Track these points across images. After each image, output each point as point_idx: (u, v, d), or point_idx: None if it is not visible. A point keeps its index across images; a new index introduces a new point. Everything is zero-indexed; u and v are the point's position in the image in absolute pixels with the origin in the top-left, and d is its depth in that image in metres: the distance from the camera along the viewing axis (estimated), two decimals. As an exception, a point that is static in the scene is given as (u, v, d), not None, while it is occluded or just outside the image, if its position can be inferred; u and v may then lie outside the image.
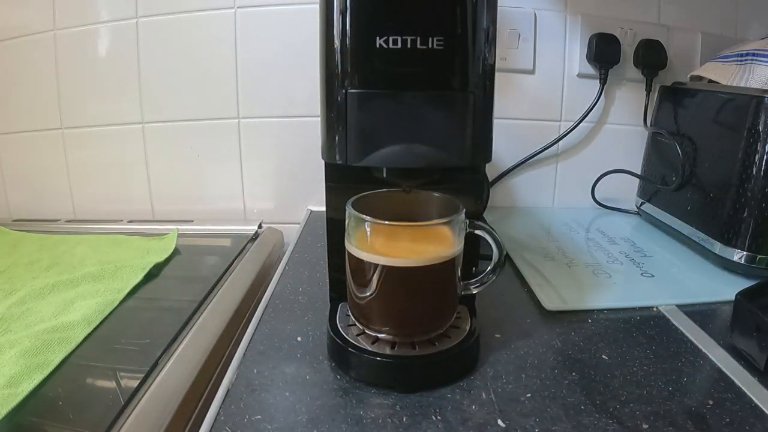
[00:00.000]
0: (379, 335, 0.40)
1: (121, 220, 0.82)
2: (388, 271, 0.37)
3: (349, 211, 0.38)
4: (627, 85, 0.81)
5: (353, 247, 0.38)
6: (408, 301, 0.39)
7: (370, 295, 0.38)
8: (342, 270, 0.46)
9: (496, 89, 0.38)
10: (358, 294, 0.40)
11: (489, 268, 0.41)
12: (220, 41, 0.78)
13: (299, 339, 0.45)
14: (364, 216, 0.37)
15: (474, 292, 0.42)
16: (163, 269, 0.63)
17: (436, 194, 0.41)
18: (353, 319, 0.42)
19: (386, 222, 0.37)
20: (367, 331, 0.41)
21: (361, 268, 0.38)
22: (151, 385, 0.41)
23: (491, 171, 0.83)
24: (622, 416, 0.36)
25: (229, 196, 0.85)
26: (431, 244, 0.38)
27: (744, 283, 0.54)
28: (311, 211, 0.83)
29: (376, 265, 0.37)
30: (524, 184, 0.85)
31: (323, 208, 0.44)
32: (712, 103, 0.64)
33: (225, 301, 0.57)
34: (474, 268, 0.45)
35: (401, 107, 0.35)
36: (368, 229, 0.38)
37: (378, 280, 0.37)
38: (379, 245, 0.37)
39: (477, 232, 0.39)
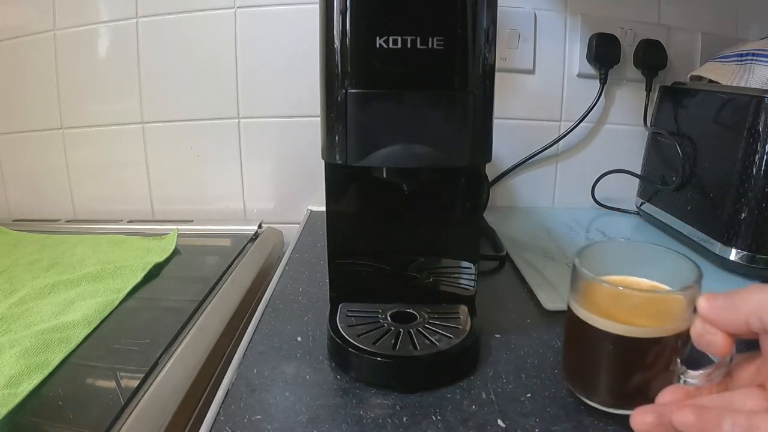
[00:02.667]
0: (591, 402, 0.37)
1: (121, 220, 0.82)
2: (622, 341, 0.33)
3: (583, 272, 0.34)
4: (627, 85, 0.81)
5: (582, 310, 0.35)
6: (635, 371, 0.35)
7: (594, 360, 0.36)
8: (342, 270, 0.46)
9: (496, 89, 0.38)
10: (576, 356, 0.37)
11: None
12: (220, 41, 0.78)
13: (299, 339, 0.45)
14: (610, 284, 0.34)
15: (692, 382, 0.34)
16: (163, 269, 0.63)
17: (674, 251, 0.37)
18: (566, 378, 0.39)
19: (637, 292, 0.34)
20: (577, 394, 0.38)
21: (588, 334, 0.35)
22: (151, 385, 0.41)
23: (491, 171, 0.83)
24: (622, 416, 0.36)
25: (229, 196, 0.85)
26: (667, 314, 0.34)
27: (743, 283, 0.54)
28: (311, 211, 0.83)
29: (613, 335, 0.33)
30: (524, 184, 0.85)
31: (323, 208, 0.44)
32: (712, 103, 0.64)
33: (225, 301, 0.57)
34: (475, 266, 0.45)
35: (401, 107, 0.35)
36: (605, 294, 0.34)
37: (607, 349, 0.34)
38: (613, 312, 0.34)
39: None
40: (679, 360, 0.34)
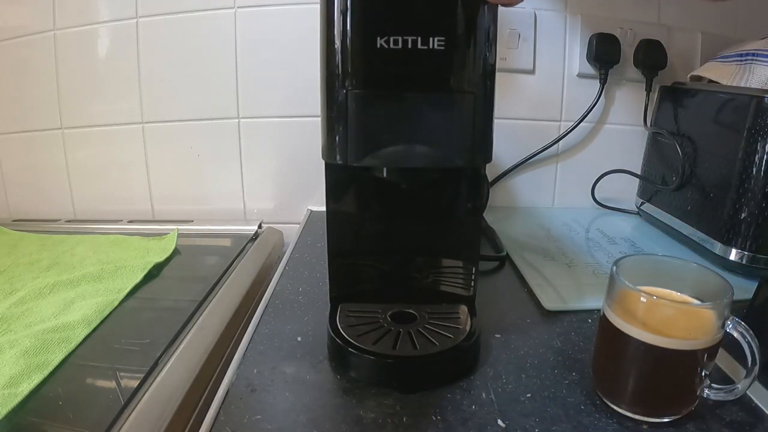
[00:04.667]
0: (619, 409, 0.37)
1: (121, 220, 0.82)
2: (654, 350, 0.34)
3: (620, 280, 0.35)
4: (627, 85, 0.81)
5: (616, 318, 0.35)
6: (662, 380, 0.35)
7: (623, 367, 0.36)
8: (342, 270, 0.46)
9: (496, 89, 0.38)
10: (606, 362, 0.38)
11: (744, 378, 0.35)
12: (220, 41, 0.78)
13: (299, 339, 0.45)
14: (646, 293, 0.34)
15: (712, 396, 0.36)
16: (163, 269, 0.63)
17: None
18: (596, 387, 0.39)
19: (671, 302, 0.35)
20: (604, 399, 0.38)
21: (623, 341, 0.35)
22: (151, 385, 0.41)
23: (491, 171, 0.83)
24: (622, 416, 0.36)
25: (229, 196, 0.85)
26: (697, 327, 0.34)
27: (744, 283, 0.54)
28: (311, 211, 0.83)
29: (645, 343, 0.34)
30: (524, 184, 0.85)
31: (323, 208, 0.44)
32: (712, 103, 0.64)
33: (225, 301, 0.57)
34: (475, 266, 0.45)
35: (401, 107, 0.35)
36: (640, 303, 0.35)
37: (638, 356, 0.35)
38: (647, 321, 0.34)
39: (734, 332, 0.34)
40: (704, 373, 0.35)
